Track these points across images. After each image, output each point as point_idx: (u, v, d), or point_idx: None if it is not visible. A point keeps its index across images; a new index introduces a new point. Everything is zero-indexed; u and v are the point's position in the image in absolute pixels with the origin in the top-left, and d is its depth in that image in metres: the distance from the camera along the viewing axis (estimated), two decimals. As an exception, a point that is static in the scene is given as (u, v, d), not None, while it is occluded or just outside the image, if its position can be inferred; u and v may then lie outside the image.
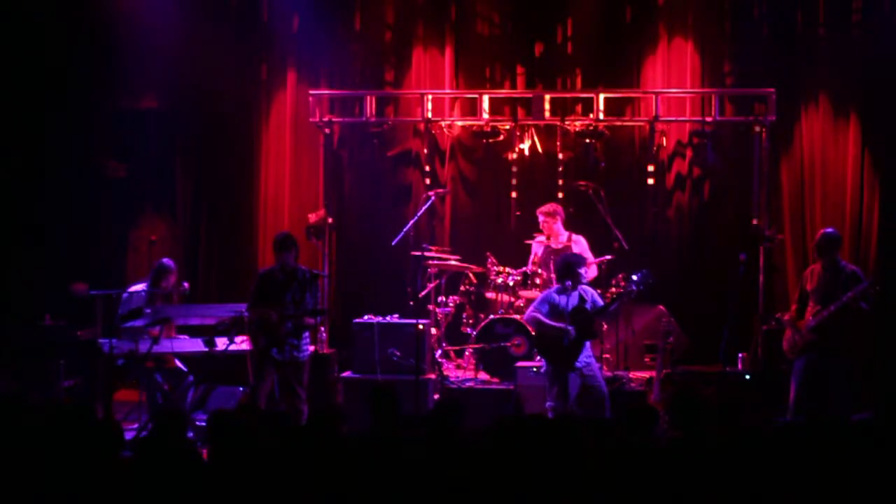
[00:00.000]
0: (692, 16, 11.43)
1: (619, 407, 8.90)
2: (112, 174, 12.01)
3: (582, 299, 9.05)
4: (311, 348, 9.31)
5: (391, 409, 6.15)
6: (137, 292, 9.79)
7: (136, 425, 9.18)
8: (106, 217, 11.97)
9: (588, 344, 9.08)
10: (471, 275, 10.85)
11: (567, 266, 9.13)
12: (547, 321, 9.00)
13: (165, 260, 9.96)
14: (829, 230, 9.13)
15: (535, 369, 9.70)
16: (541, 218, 10.55)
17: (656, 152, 11.34)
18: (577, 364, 8.96)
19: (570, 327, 8.94)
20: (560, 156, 11.36)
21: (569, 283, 9.07)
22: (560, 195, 11.06)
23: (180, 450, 5.29)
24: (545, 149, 11.51)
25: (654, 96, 11.14)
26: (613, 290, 10.08)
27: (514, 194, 11.46)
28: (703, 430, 5.76)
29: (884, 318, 9.96)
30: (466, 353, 10.70)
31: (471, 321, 10.74)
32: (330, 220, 11.38)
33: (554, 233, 10.53)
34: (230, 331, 9.27)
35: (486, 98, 11.41)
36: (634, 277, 9.15)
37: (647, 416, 5.94)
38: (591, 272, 10.44)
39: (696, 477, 5.13)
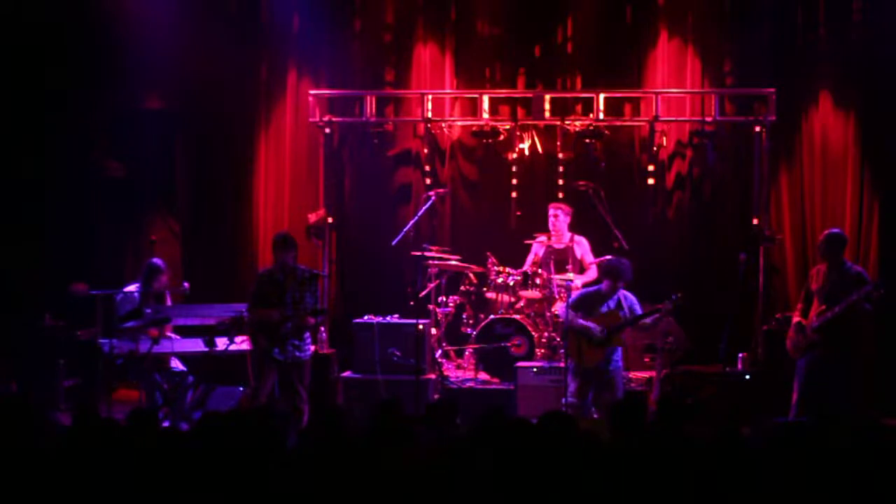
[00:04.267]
0: (692, 16, 11.41)
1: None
2: (112, 174, 12.00)
3: (619, 305, 9.06)
4: (313, 348, 9.32)
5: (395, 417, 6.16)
6: (130, 293, 9.79)
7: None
8: (106, 217, 11.95)
9: (619, 348, 9.11)
10: (471, 275, 10.84)
11: (609, 271, 9.19)
12: (579, 320, 9.04)
13: (155, 260, 9.96)
14: (835, 230, 9.09)
15: (534, 369, 9.70)
16: (551, 211, 10.57)
17: (656, 152, 11.34)
18: (602, 366, 8.98)
19: (596, 327, 8.96)
20: (560, 156, 11.34)
21: (607, 285, 9.13)
22: (560, 195, 11.06)
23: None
24: (545, 149, 11.50)
25: (654, 96, 11.13)
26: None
27: (514, 194, 11.44)
28: (687, 432, 5.72)
29: (886, 318, 9.95)
30: (466, 353, 10.71)
31: (471, 321, 10.74)
32: (330, 220, 11.39)
33: (559, 231, 10.54)
34: (230, 331, 9.26)
35: (486, 98, 11.41)
36: (673, 297, 9.10)
37: (632, 411, 5.90)
38: (591, 273, 10.46)
39: (682, 477, 5.12)
